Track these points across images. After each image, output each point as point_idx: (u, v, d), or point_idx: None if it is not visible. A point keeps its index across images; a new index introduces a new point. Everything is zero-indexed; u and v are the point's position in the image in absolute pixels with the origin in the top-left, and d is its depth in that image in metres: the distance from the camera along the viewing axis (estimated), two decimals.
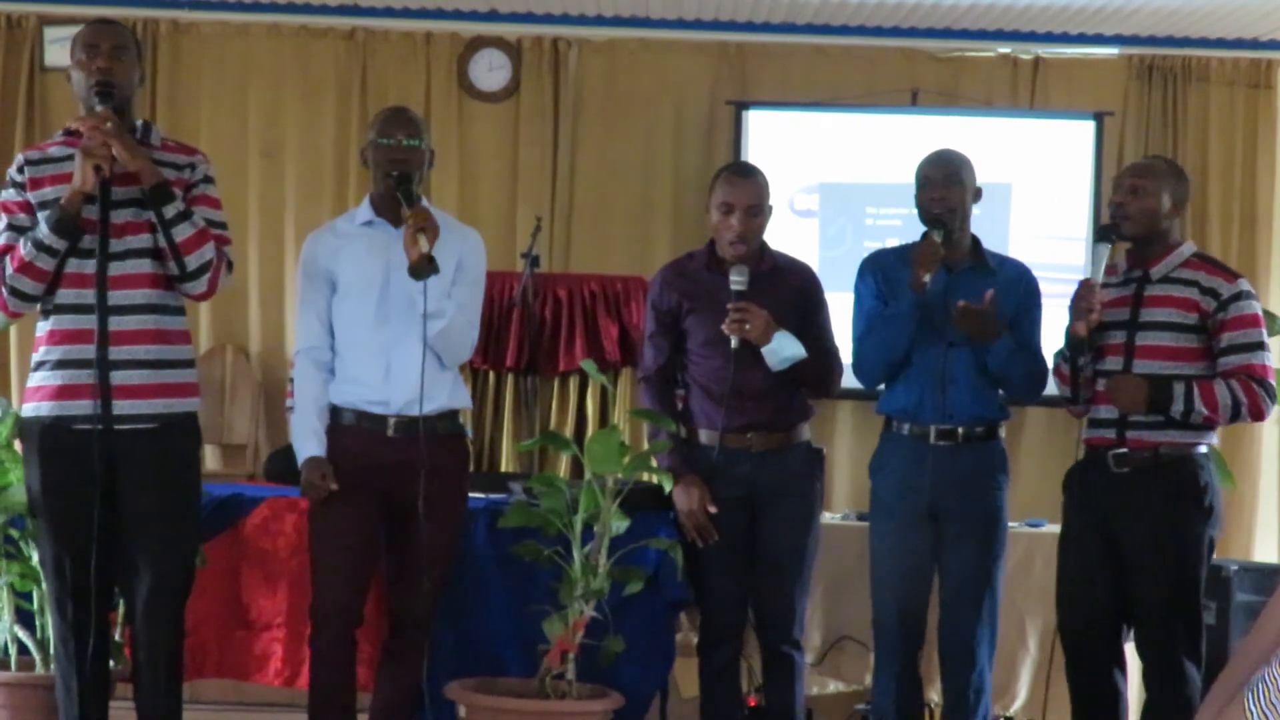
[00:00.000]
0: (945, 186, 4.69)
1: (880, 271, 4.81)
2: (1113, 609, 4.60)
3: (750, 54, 7.84)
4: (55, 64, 7.68)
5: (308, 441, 4.42)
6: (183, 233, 4.09)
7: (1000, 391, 4.78)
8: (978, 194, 4.79)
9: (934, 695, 5.46)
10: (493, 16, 7.77)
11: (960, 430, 4.70)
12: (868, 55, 7.81)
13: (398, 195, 4.36)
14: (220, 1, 7.69)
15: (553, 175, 7.78)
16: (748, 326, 4.57)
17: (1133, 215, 4.56)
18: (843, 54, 7.82)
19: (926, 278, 4.57)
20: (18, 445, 4.84)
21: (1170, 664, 4.53)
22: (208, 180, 4.25)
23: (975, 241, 4.82)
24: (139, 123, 4.20)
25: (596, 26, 7.82)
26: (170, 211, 4.07)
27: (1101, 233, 4.62)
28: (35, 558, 4.62)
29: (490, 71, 7.80)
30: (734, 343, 4.60)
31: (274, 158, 7.74)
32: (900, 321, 4.68)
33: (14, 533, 4.66)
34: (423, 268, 4.26)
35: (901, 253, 4.84)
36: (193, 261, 4.11)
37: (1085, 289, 4.54)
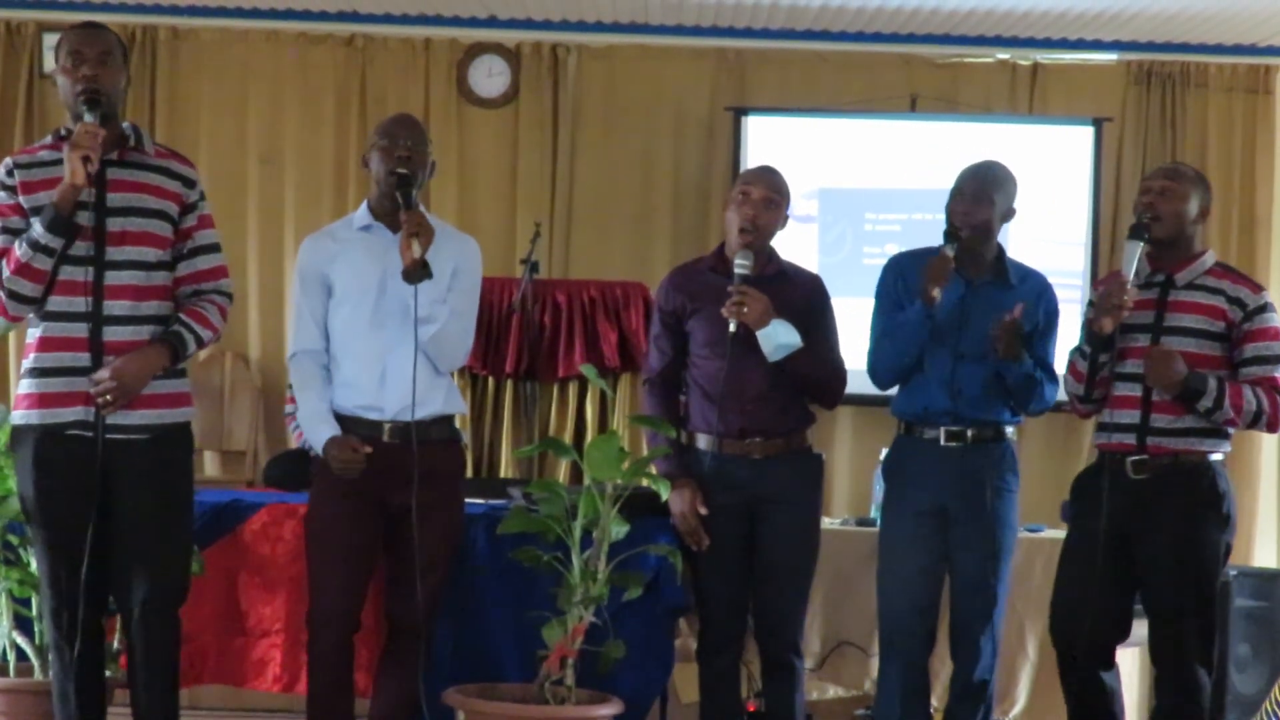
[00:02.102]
0: (973, 202, 4.69)
1: (900, 276, 4.83)
2: (1112, 615, 4.60)
3: (749, 60, 7.85)
4: (54, 70, 7.68)
5: (321, 427, 4.38)
6: (201, 348, 4.19)
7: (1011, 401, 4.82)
8: (1010, 213, 4.78)
9: (933, 700, 5.46)
10: (492, 23, 7.78)
11: (970, 432, 4.72)
12: (867, 61, 7.83)
13: (396, 195, 4.36)
14: (219, 8, 7.70)
15: (552, 181, 7.79)
16: (745, 310, 4.57)
17: (1164, 216, 4.54)
18: (842, 60, 7.84)
19: (936, 292, 4.59)
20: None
21: (1183, 670, 4.53)
22: (203, 197, 4.22)
23: (1000, 254, 4.82)
24: (128, 126, 4.16)
25: (596, 33, 7.83)
26: (186, 356, 4.13)
27: (1134, 231, 4.56)
28: (34, 564, 4.62)
29: (489, 78, 7.82)
30: (732, 326, 4.60)
31: (273, 164, 7.74)
32: (909, 329, 4.70)
33: (13, 539, 4.65)
34: (415, 272, 4.26)
35: (922, 256, 4.85)
36: (212, 342, 4.26)
37: (1117, 285, 4.51)
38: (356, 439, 4.34)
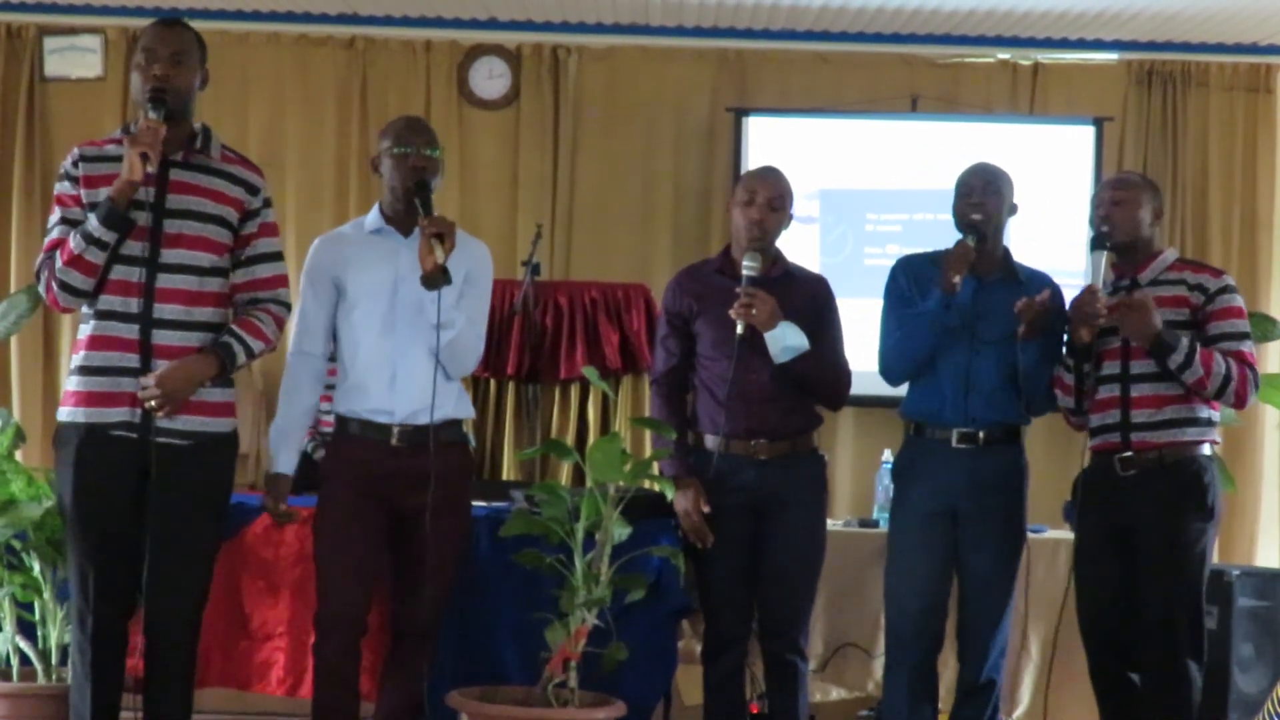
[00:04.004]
0: (984, 195, 4.79)
1: (912, 275, 4.88)
2: (1129, 610, 4.65)
3: (750, 61, 7.84)
4: (55, 74, 7.70)
5: (280, 455, 4.43)
6: (251, 359, 4.17)
7: (1022, 398, 4.82)
8: (1013, 209, 4.88)
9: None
10: (492, 24, 7.78)
11: (982, 434, 4.74)
12: (868, 62, 7.82)
13: (415, 203, 4.35)
14: (220, 10, 7.70)
15: (553, 183, 7.79)
16: (754, 311, 4.57)
17: (1119, 223, 4.72)
18: (843, 60, 7.83)
19: (957, 279, 4.65)
20: (19, 455, 4.85)
21: (1172, 663, 4.59)
22: (267, 205, 4.21)
23: (1006, 254, 4.90)
24: (199, 127, 4.15)
25: (596, 34, 7.83)
26: (236, 368, 4.13)
27: (1095, 242, 4.77)
28: (37, 569, 4.62)
29: (490, 79, 7.81)
30: (740, 328, 4.60)
31: (273, 167, 7.73)
32: (928, 320, 4.73)
33: (16, 544, 4.65)
34: (437, 277, 4.25)
35: (932, 258, 4.91)
36: (265, 353, 4.24)
37: (1088, 295, 4.65)
38: (286, 492, 4.39)
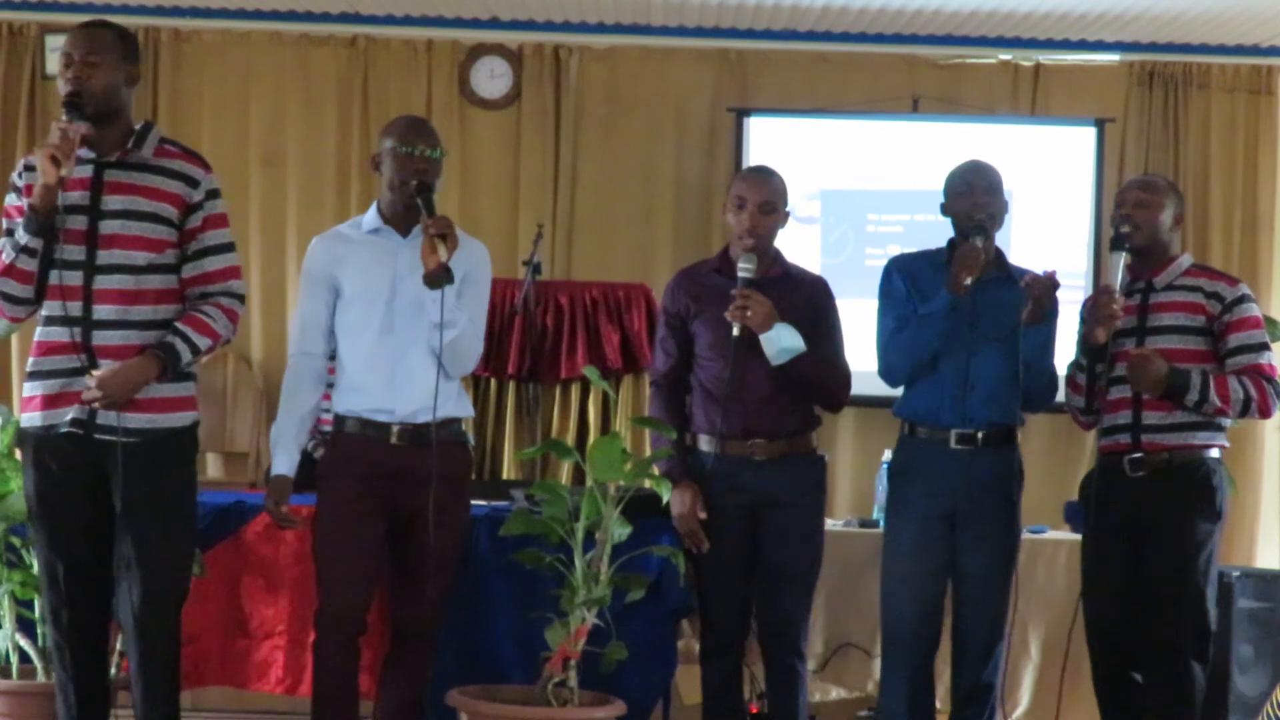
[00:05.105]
0: (989, 194, 4.77)
1: (908, 274, 4.86)
2: (1135, 610, 4.66)
3: (751, 61, 7.85)
4: (56, 72, 7.70)
5: (279, 456, 4.40)
6: (201, 355, 4.13)
7: (1022, 391, 4.82)
8: (1006, 207, 4.87)
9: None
10: (494, 24, 7.78)
11: (980, 434, 4.73)
12: (869, 62, 7.83)
13: (418, 204, 4.34)
14: (222, 9, 7.70)
15: (554, 182, 7.80)
16: (749, 313, 4.57)
17: (1140, 225, 4.71)
18: (844, 61, 7.84)
19: (968, 280, 4.63)
20: (18, 453, 4.86)
21: (1176, 664, 4.60)
22: (212, 196, 4.16)
23: (1000, 253, 4.89)
24: (139, 126, 4.14)
25: (598, 34, 7.84)
26: (181, 366, 4.08)
27: (1115, 242, 4.75)
28: (36, 566, 4.62)
29: (491, 79, 7.82)
30: (735, 329, 4.60)
31: (275, 166, 7.75)
32: (934, 321, 4.71)
33: (15, 540, 4.66)
34: (440, 277, 4.25)
35: (927, 257, 4.91)
36: (216, 347, 4.18)
37: (1106, 295, 4.66)
38: (287, 494, 4.34)
